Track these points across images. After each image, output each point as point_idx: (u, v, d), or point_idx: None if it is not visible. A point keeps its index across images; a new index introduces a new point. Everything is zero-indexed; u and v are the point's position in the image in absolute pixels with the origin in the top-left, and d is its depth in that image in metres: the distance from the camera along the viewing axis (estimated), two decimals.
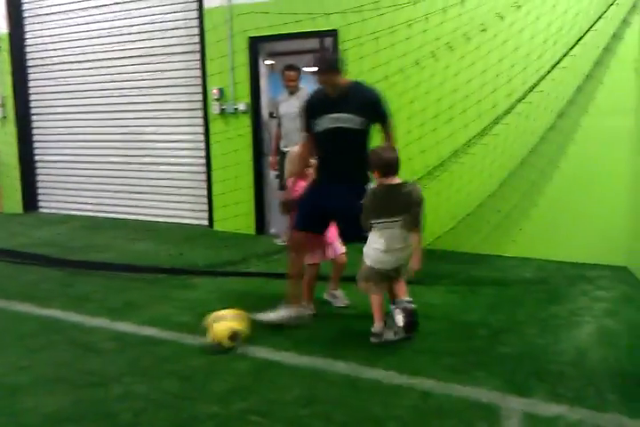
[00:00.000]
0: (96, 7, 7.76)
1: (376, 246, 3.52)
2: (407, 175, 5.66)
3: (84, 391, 3.01)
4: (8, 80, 8.47)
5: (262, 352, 3.41)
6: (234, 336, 3.43)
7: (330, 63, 3.66)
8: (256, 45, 6.52)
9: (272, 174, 6.62)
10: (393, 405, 2.77)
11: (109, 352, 3.50)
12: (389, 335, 3.51)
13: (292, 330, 3.72)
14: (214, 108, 6.77)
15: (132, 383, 3.08)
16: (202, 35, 6.82)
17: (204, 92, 6.89)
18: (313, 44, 6.92)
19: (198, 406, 2.82)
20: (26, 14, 8.41)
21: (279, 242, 6.22)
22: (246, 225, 6.74)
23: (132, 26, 7.48)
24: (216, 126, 6.84)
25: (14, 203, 8.57)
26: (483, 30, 5.33)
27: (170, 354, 3.45)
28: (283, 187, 6.15)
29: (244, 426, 2.63)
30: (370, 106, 3.69)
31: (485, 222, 5.47)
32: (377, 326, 3.54)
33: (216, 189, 6.95)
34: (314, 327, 3.79)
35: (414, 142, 5.58)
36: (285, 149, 6.11)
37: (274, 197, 6.65)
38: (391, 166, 3.45)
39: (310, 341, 3.56)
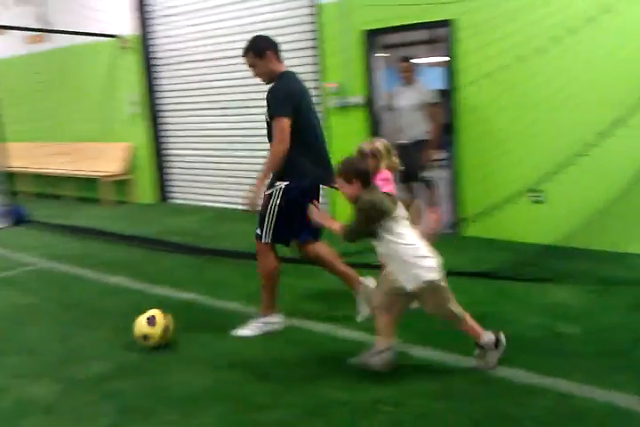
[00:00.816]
0: (217, 7, 8.12)
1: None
2: (533, 170, 5.55)
3: (223, 373, 3.20)
4: (140, 79, 9.05)
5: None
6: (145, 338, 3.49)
7: (248, 46, 3.68)
8: (370, 38, 6.54)
9: None
10: (528, 405, 2.73)
11: (245, 337, 3.69)
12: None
13: (417, 324, 3.73)
14: (331, 103, 6.89)
15: (269, 367, 3.24)
16: (316, 31, 6.96)
17: (320, 87, 7.03)
18: (426, 35, 6.84)
19: (330, 392, 2.92)
20: (153, 16, 8.94)
21: None
22: None
23: (253, 23, 7.74)
24: (333, 120, 6.94)
25: (148, 194, 9.17)
26: (607, 11, 5.01)
27: (301, 340, 3.59)
28: (405, 179, 6.15)
29: (376, 415, 2.69)
30: (267, 100, 3.62)
31: (618, 219, 5.18)
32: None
33: None
34: (437, 322, 3.78)
35: (540, 133, 5.38)
36: (402, 142, 6.11)
37: None
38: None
39: (437, 335, 3.55)
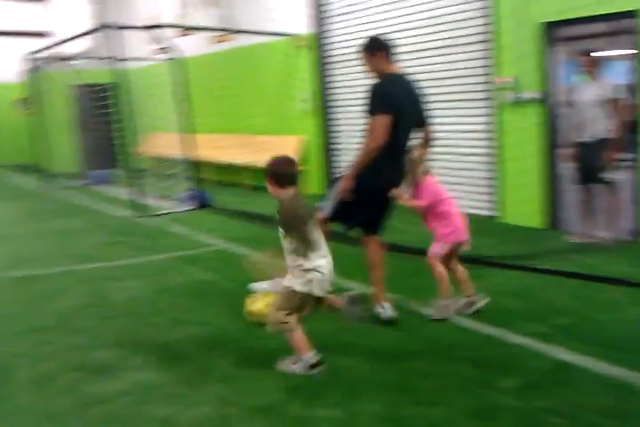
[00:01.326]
0: (391, 3, 8.15)
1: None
2: None
3: (387, 361, 3.25)
4: (314, 77, 9.39)
5: (560, 353, 3.28)
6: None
7: (364, 44, 3.91)
8: (548, 31, 6.19)
9: (568, 168, 6.25)
10: None
11: (409, 328, 3.72)
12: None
13: (590, 333, 3.52)
14: (505, 98, 6.64)
15: (432, 362, 3.24)
16: (490, 24, 6.72)
17: (494, 82, 6.80)
18: (609, 26, 6.29)
19: (496, 396, 2.85)
20: (329, 14, 9.19)
21: (572, 240, 5.87)
22: (535, 219, 6.49)
23: (428, 19, 7.68)
24: (506, 116, 6.69)
25: (316, 185, 9.53)
26: None
27: (465, 340, 3.54)
28: (584, 180, 5.79)
29: (542, 425, 2.58)
30: (366, 97, 3.75)
31: None
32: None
33: (504, 181, 6.82)
34: (616, 332, 3.52)
35: None
36: (583, 140, 5.72)
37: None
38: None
39: (615, 347, 3.31)
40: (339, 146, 9.47)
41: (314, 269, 3.09)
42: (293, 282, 3.11)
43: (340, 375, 3.12)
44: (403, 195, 3.91)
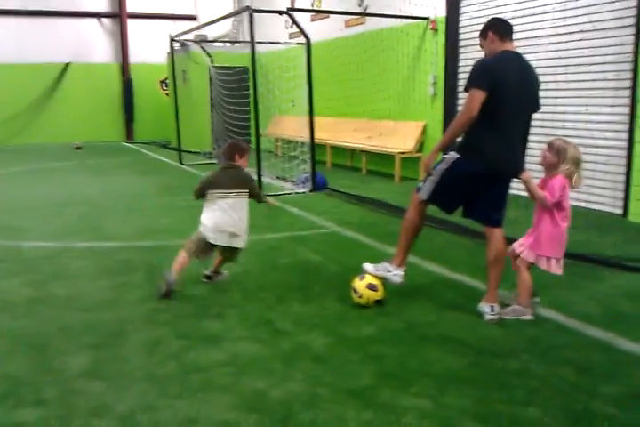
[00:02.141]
0: None
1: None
2: None
3: (483, 357, 3.19)
4: (441, 61, 9.17)
5: None
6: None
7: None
8: None
9: None
10: None
11: (511, 326, 3.61)
12: None
13: None
14: None
15: (530, 362, 3.13)
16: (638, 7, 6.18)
17: (635, 70, 6.28)
18: None
19: (594, 402, 2.71)
20: None
21: None
22: None
23: (569, 2, 7.21)
24: None
25: None
26: None
27: (568, 342, 3.38)
28: None
29: None
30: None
31: None
32: None
33: (636, 176, 6.33)
34: None
35: None
36: None
37: None
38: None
39: None
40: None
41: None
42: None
43: (432, 367, 3.10)
44: (530, 178, 3.64)
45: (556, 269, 3.69)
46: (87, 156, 14.11)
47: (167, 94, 17.31)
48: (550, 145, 3.67)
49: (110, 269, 4.89)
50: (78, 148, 15.49)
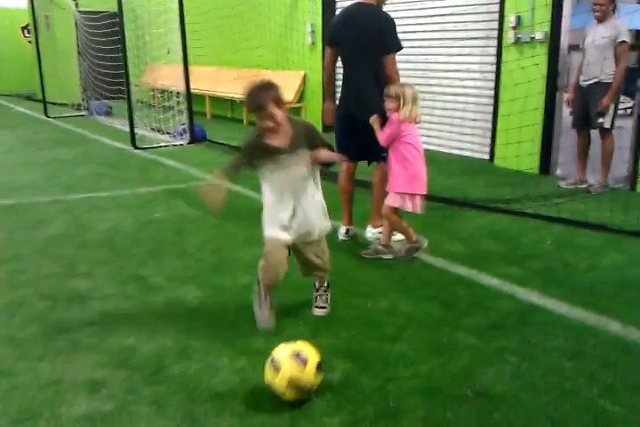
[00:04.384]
0: None
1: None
2: None
3: (355, 299, 3.28)
4: (318, 9, 9.01)
5: (529, 295, 3.30)
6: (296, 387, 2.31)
7: None
8: None
9: (566, 111, 6.09)
10: None
11: (381, 267, 3.74)
12: None
13: (563, 277, 3.52)
14: (509, 37, 6.39)
15: (398, 300, 3.26)
16: None
17: (501, 20, 6.53)
18: None
19: (457, 334, 2.88)
20: None
21: (564, 185, 5.80)
22: (530, 164, 6.40)
23: None
24: (509, 56, 6.46)
25: (316, 124, 9.34)
26: None
27: (434, 279, 3.55)
28: (581, 124, 5.65)
29: (500, 364, 2.61)
30: None
31: None
32: None
33: (502, 123, 6.67)
34: (589, 276, 3.53)
35: None
36: (585, 84, 5.54)
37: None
38: None
39: (584, 291, 3.32)
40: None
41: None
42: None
43: (308, 311, 3.15)
44: (375, 120, 3.85)
45: (415, 207, 3.82)
46: None
47: (30, 42, 15.89)
48: (388, 94, 3.75)
49: None
50: None
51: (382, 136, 3.78)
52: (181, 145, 8.22)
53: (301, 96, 9.67)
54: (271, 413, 2.28)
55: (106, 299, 3.31)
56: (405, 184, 3.77)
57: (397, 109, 3.71)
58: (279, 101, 2.78)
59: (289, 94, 9.56)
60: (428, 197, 5.14)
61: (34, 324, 3.00)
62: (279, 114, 2.78)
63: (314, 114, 9.33)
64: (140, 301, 3.30)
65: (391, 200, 3.82)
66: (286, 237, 2.90)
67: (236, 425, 2.21)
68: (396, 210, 3.85)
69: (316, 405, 2.32)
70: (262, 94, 2.75)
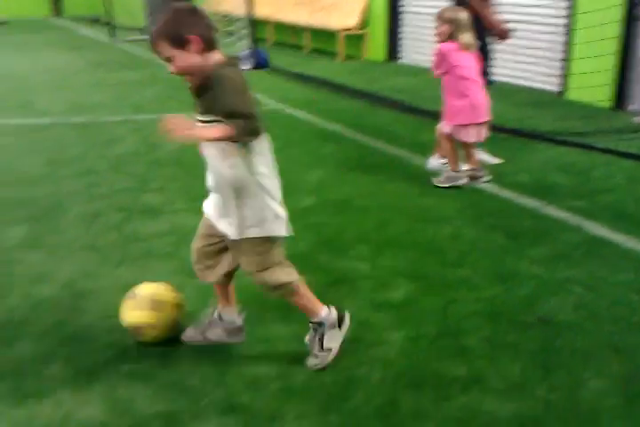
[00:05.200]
0: None
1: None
2: None
3: (417, 224, 3.31)
4: None
5: (597, 229, 3.24)
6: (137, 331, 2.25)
7: None
8: None
9: None
10: None
11: (445, 195, 3.73)
12: None
13: (634, 212, 3.44)
14: None
15: (461, 227, 3.27)
16: None
17: None
18: None
19: (521, 263, 2.88)
20: None
21: (638, 120, 5.53)
22: (602, 96, 6.08)
23: None
24: None
25: (378, 51, 9.10)
26: None
27: (500, 209, 3.52)
28: None
29: (565, 294, 2.62)
30: None
31: None
32: None
33: (574, 52, 6.31)
34: None
35: None
36: None
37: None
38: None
39: None
40: (406, 8, 8.86)
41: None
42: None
43: (370, 234, 3.20)
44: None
45: (480, 136, 3.75)
46: (12, 32, 13.00)
47: None
48: (440, 16, 3.60)
49: (42, 145, 4.69)
50: (1, 23, 14.20)
51: (434, 69, 3.67)
52: (245, 70, 8.16)
53: (366, 22, 9.33)
54: None
55: (177, 213, 3.44)
56: (465, 116, 3.68)
57: (448, 36, 3.57)
58: (180, 40, 1.90)
59: (350, 19, 9.25)
60: (496, 128, 5.05)
61: (111, 233, 3.17)
62: (183, 58, 1.93)
63: (379, 42, 9.06)
64: None
65: (445, 127, 3.77)
66: None
67: (300, 332, 2.30)
68: (451, 137, 3.79)
69: (378, 320, 2.40)
70: (159, 27, 1.95)
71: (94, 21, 14.80)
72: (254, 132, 1.92)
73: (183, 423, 1.87)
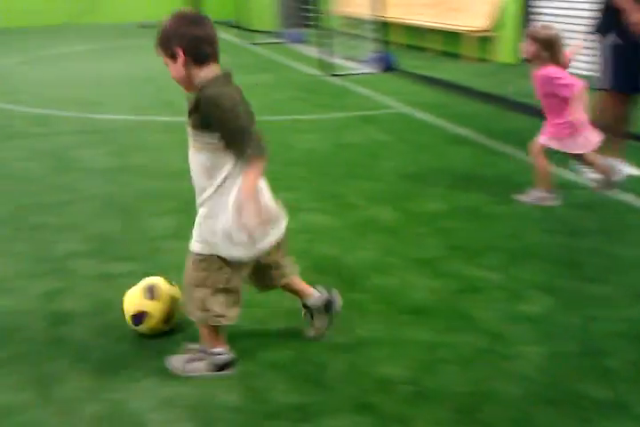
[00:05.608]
0: None
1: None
2: None
3: (554, 235, 3.17)
4: None
5: None
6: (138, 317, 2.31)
7: None
8: None
9: None
10: None
11: (583, 207, 3.55)
12: None
13: None
14: None
15: (601, 241, 3.10)
16: None
17: None
18: None
19: None
20: None
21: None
22: None
23: None
24: None
25: (509, 53, 8.82)
26: None
27: None
28: None
29: None
30: None
31: None
32: None
33: None
34: None
35: None
36: None
37: None
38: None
39: None
40: (540, 10, 8.52)
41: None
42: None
43: (503, 242, 3.12)
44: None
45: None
46: (154, 35, 13.93)
47: None
48: (532, 35, 3.37)
49: (187, 142, 4.99)
50: (144, 26, 15.25)
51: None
52: (371, 73, 8.22)
53: (496, 23, 9.07)
54: (467, 333, 2.34)
55: (308, 211, 3.54)
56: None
57: (537, 54, 3.36)
58: (169, 51, 1.91)
59: (479, 20, 9.02)
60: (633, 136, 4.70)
61: None
62: (173, 68, 1.94)
63: (510, 46, 8.78)
64: (338, 216, 3.48)
65: (545, 140, 3.53)
66: None
67: (432, 339, 2.30)
68: (544, 150, 3.55)
69: (513, 333, 2.33)
70: (157, 33, 1.97)
71: (227, 25, 15.51)
72: (261, 152, 1.91)
73: (317, 416, 1.92)
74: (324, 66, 8.19)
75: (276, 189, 3.78)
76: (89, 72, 8.76)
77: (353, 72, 8.22)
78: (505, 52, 8.90)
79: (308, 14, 11.40)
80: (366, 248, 3.07)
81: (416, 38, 10.84)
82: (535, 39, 3.38)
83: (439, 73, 7.84)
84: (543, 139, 3.56)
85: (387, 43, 8.83)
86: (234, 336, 2.26)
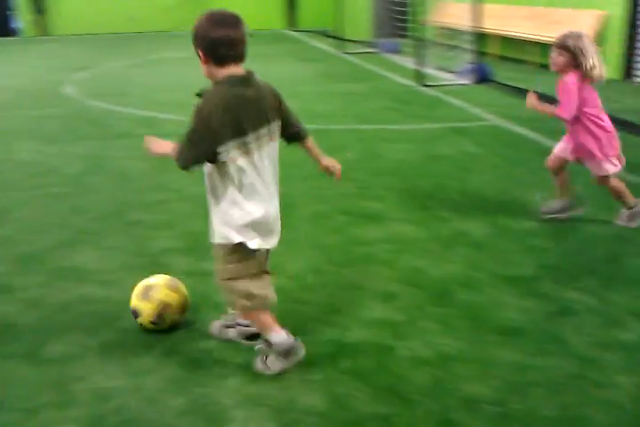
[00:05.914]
0: None
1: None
2: None
3: None
4: None
5: None
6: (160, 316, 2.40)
7: None
8: None
9: None
10: None
11: None
12: None
13: None
14: None
15: None
16: None
17: None
18: None
19: None
20: None
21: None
22: None
23: None
24: None
25: (612, 69, 8.44)
26: None
27: None
28: None
29: None
30: None
31: None
32: None
33: None
34: None
35: None
36: None
37: None
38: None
39: None
40: None
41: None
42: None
43: (598, 265, 2.99)
44: (532, 97, 3.29)
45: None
46: (253, 43, 14.37)
47: None
48: (560, 44, 3.20)
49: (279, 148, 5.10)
50: (250, 35, 15.67)
51: (564, 110, 3.26)
52: (466, 84, 8.11)
53: (600, 39, 8.72)
54: (558, 357, 2.25)
55: (395, 221, 3.53)
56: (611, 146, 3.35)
57: (568, 66, 3.17)
58: (195, 50, 2.04)
59: None
60: None
61: (336, 234, 3.35)
62: (202, 67, 2.07)
63: (614, 61, 8.40)
64: (426, 227, 3.45)
65: (603, 169, 3.34)
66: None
67: (521, 361, 2.23)
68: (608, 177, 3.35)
69: (607, 360, 2.23)
70: (191, 32, 2.06)
71: (323, 34, 15.76)
72: (180, 162, 2.04)
73: None
74: (419, 76, 8.15)
75: (363, 197, 3.87)
76: (190, 77, 9.11)
77: (446, 83, 8.14)
78: (608, 66, 8.50)
79: (402, 24, 11.37)
80: (453, 262, 3.03)
81: (513, 50, 10.59)
82: (557, 45, 3.22)
83: (536, 86, 7.60)
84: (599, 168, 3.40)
85: (482, 54, 8.68)
86: (317, 343, 2.29)
